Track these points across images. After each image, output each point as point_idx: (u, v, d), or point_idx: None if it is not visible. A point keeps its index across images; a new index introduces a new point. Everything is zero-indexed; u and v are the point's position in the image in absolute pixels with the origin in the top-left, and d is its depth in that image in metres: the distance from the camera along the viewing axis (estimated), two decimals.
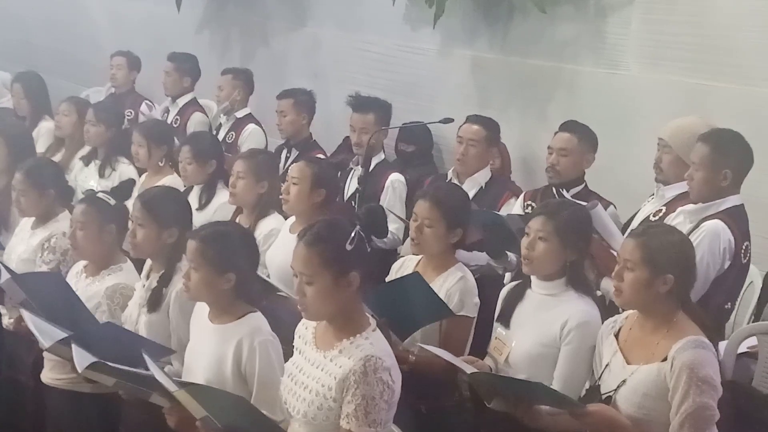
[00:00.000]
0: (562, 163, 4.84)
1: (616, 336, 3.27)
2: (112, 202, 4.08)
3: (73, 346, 3.28)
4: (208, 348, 3.34)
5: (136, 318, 3.80)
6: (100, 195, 4.15)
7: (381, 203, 5.18)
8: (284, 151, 6.06)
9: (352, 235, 2.90)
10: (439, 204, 3.84)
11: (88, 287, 3.96)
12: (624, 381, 3.11)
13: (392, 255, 4.96)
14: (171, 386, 2.98)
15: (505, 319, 3.62)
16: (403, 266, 4.04)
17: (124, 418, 3.81)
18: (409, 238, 4.01)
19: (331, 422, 2.88)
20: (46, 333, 3.52)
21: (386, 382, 2.83)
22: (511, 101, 5.93)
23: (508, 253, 4.56)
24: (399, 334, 3.59)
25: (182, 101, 6.97)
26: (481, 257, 4.55)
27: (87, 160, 5.90)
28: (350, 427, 2.83)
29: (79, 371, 3.24)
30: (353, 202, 5.16)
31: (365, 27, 6.86)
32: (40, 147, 6.26)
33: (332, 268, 2.89)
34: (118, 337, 3.48)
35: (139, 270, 4.04)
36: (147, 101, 7.22)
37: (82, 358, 3.23)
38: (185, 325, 3.68)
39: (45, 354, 3.99)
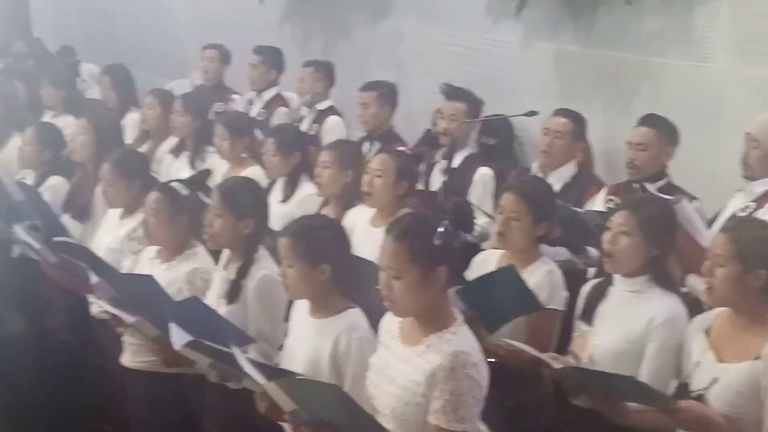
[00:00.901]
0: (640, 158, 4.77)
1: (707, 333, 3.21)
2: (185, 191, 4.12)
3: (171, 325, 3.33)
4: (306, 342, 3.35)
5: (215, 309, 3.83)
6: (173, 184, 4.19)
7: (471, 197, 5.13)
8: (366, 144, 6.06)
9: (441, 230, 2.89)
10: (526, 197, 3.82)
11: (166, 273, 4.03)
12: (716, 379, 3.05)
13: (473, 249, 4.95)
14: (260, 379, 3.00)
15: (588, 317, 3.57)
16: (486, 260, 4.02)
17: (204, 400, 3.89)
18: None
19: (419, 418, 2.88)
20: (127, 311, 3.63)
21: (474, 377, 2.83)
22: (595, 95, 5.86)
23: (588, 248, 4.52)
24: (488, 327, 3.58)
25: (268, 95, 7.01)
26: (563, 252, 4.51)
27: (177, 152, 5.98)
28: (438, 423, 2.82)
29: (177, 348, 3.30)
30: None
31: (447, 19, 6.83)
32: (127, 138, 6.35)
33: (420, 263, 2.88)
34: (203, 317, 3.52)
35: (215, 258, 4.09)
36: (235, 94, 7.26)
37: (179, 337, 3.29)
38: (263, 315, 3.74)
39: (124, 338, 4.09)
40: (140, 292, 3.77)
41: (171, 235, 4.10)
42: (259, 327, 3.73)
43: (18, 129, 5.67)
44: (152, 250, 4.22)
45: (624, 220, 3.45)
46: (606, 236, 3.49)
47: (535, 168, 5.18)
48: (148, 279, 3.86)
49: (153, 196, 4.12)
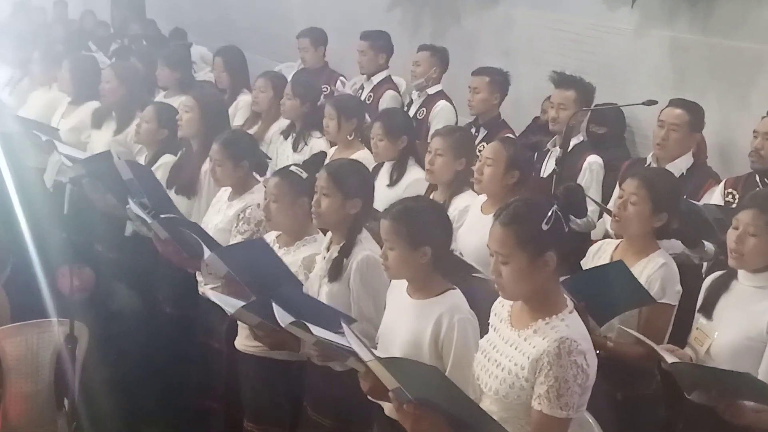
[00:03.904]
0: (767, 148, 4.66)
1: None
2: (304, 175, 4.13)
3: (274, 304, 3.36)
4: (406, 322, 3.35)
5: (317, 289, 3.86)
6: (292, 168, 4.20)
7: None
8: (473, 130, 6.01)
9: (549, 214, 2.85)
10: (648, 183, 3.76)
11: (284, 257, 4.03)
12: None
13: (587, 238, 4.87)
14: (366, 355, 2.99)
15: (708, 310, 3.49)
16: (601, 249, 3.97)
17: (308, 384, 3.92)
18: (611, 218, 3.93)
19: (523, 401, 2.86)
20: (230, 304, 3.66)
21: (580, 365, 2.78)
22: (711, 85, 5.73)
23: (705, 243, 4.42)
24: (597, 320, 3.54)
25: (377, 78, 7.01)
26: (676, 245, 4.41)
27: (286, 134, 6.01)
28: (541, 408, 2.80)
29: (283, 326, 3.32)
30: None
31: (560, 6, 6.76)
32: (239, 120, 6.43)
33: (528, 247, 2.85)
34: (305, 303, 3.55)
35: None
36: (342, 77, 7.27)
37: (283, 316, 3.32)
38: (366, 295, 3.74)
39: (239, 322, 4.12)
40: (251, 264, 3.81)
41: (293, 219, 4.12)
42: (361, 307, 3.75)
43: (141, 109, 5.78)
44: (272, 235, 4.25)
45: (752, 219, 3.36)
46: (732, 235, 3.40)
47: (650, 159, 5.07)
48: (259, 242, 3.91)
49: (273, 181, 4.15)
